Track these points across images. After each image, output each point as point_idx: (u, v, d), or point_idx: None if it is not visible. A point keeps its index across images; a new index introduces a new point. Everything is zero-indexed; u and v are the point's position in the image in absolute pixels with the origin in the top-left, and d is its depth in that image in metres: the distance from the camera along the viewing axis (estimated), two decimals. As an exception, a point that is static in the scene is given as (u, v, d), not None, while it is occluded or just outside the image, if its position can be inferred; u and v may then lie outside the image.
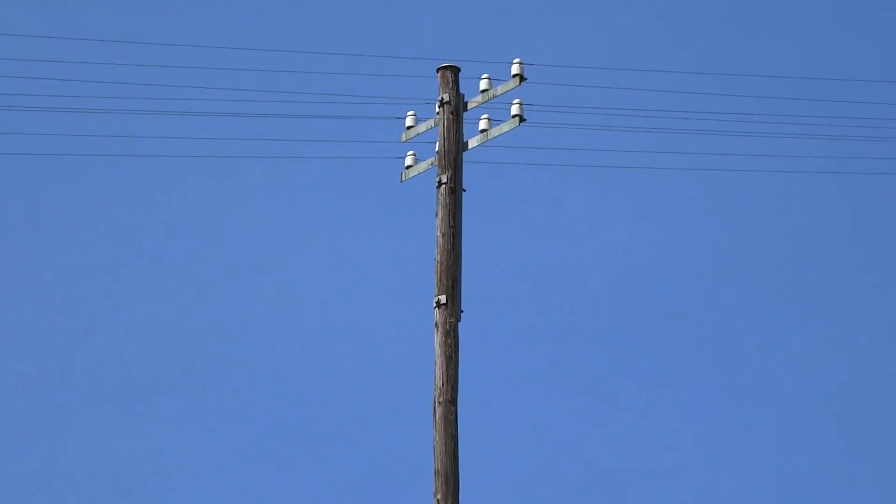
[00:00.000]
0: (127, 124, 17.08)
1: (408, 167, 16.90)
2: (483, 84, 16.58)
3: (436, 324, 16.22)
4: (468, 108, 16.68)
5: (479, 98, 16.64)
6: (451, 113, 16.55)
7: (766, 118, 18.47)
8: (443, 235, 16.42)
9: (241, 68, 16.57)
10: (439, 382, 16.08)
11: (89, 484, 29.93)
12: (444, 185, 16.46)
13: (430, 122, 16.75)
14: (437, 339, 16.16)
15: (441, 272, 16.34)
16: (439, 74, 16.66)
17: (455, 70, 16.60)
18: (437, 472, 15.87)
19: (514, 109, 16.37)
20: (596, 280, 32.95)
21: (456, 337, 16.12)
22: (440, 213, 16.45)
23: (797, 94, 21.03)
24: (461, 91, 16.74)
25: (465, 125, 16.72)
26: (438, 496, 15.87)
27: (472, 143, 16.67)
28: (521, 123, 16.47)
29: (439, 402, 16.01)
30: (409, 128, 16.93)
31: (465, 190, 16.64)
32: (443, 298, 16.17)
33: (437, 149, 16.69)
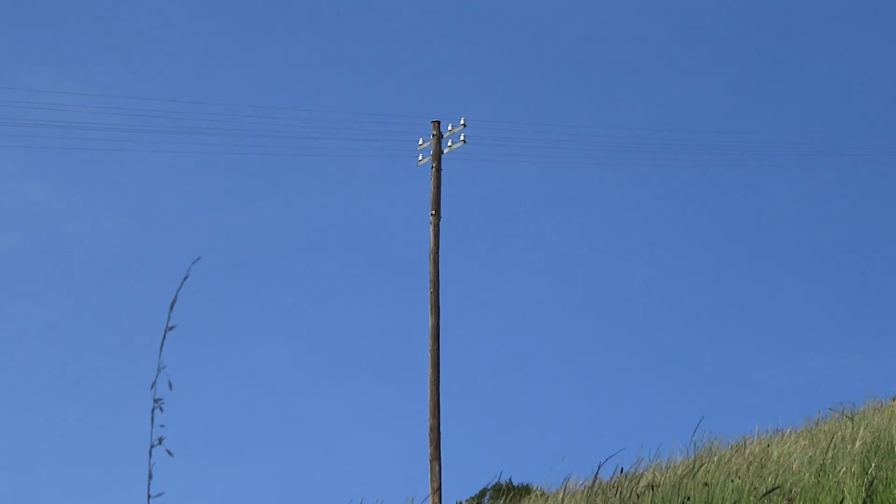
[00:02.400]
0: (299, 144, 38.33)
1: (419, 160, 32.97)
2: (449, 127, 32.93)
3: (430, 222, 32.02)
4: (443, 136, 32.87)
5: (448, 133, 32.93)
6: (437, 138, 32.82)
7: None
8: (433, 187, 32.40)
9: (347, 120, 37.73)
10: (431, 245, 31.74)
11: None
12: (433, 167, 32.55)
13: (429, 143, 32.90)
14: (430, 229, 31.87)
15: (433, 200, 32.20)
16: (432, 124, 33.04)
17: (438, 121, 33.03)
18: (431, 281, 31.54)
19: (462, 137, 32.71)
20: (496, 200, 60.47)
21: (439, 227, 32.04)
22: (432, 178, 32.53)
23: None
24: (441, 129, 32.91)
25: (442, 142, 32.94)
26: (431, 290, 31.43)
27: (446, 150, 32.75)
28: (465, 143, 32.81)
29: (431, 253, 31.66)
30: (420, 145, 33.06)
31: (442, 169, 32.61)
32: (433, 211, 32.09)
33: (430, 152, 32.80)
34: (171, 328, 5.17)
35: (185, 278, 5.27)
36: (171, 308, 5.22)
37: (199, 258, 5.38)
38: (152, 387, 5.05)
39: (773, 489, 7.86)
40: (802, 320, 63.53)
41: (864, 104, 75.13)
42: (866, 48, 76.33)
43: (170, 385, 5.06)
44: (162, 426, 4.95)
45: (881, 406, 21.72)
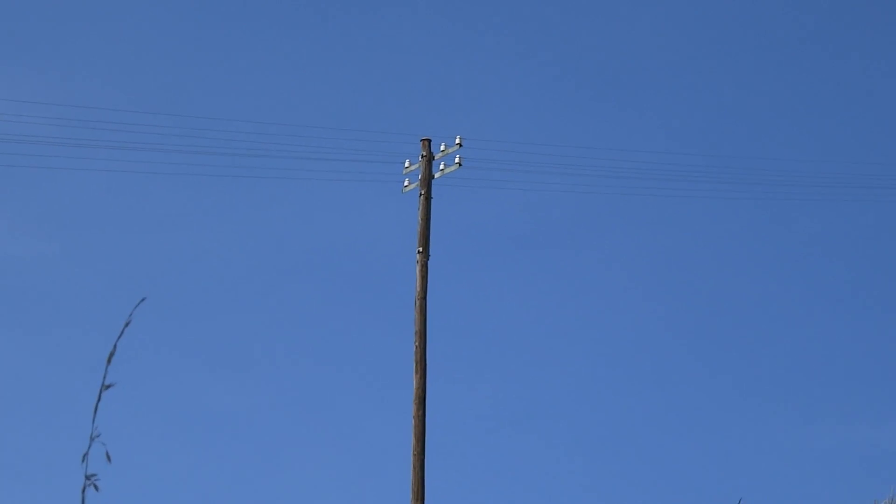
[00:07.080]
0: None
1: (405, 186, 23.32)
2: (441, 146, 23.38)
3: (417, 261, 22.64)
4: (435, 158, 23.28)
5: (441, 154, 23.28)
6: (427, 160, 23.23)
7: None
8: (421, 219, 22.97)
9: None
10: (418, 289, 22.58)
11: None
12: (421, 195, 23.11)
13: (417, 165, 23.23)
14: (417, 269, 22.70)
15: (420, 235, 22.86)
16: (421, 143, 23.50)
17: (428, 140, 23.48)
18: (416, 332, 22.33)
19: (456, 159, 23.11)
20: (495, 234, 45.99)
21: (427, 267, 22.66)
22: (420, 208, 23.07)
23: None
24: (433, 149, 23.31)
25: (433, 164, 23.24)
26: (416, 343, 22.32)
27: (437, 175, 23.19)
28: (460, 167, 23.19)
29: (417, 299, 22.55)
30: (406, 168, 23.48)
31: (432, 197, 23.12)
32: (420, 248, 22.75)
33: (419, 177, 23.19)
34: (107, 387, 4.14)
35: (127, 324, 4.26)
36: (109, 362, 4.17)
37: (143, 299, 4.34)
38: (84, 459, 4.04)
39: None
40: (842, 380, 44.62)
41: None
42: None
43: (108, 456, 4.06)
44: (98, 509, 3.93)
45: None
